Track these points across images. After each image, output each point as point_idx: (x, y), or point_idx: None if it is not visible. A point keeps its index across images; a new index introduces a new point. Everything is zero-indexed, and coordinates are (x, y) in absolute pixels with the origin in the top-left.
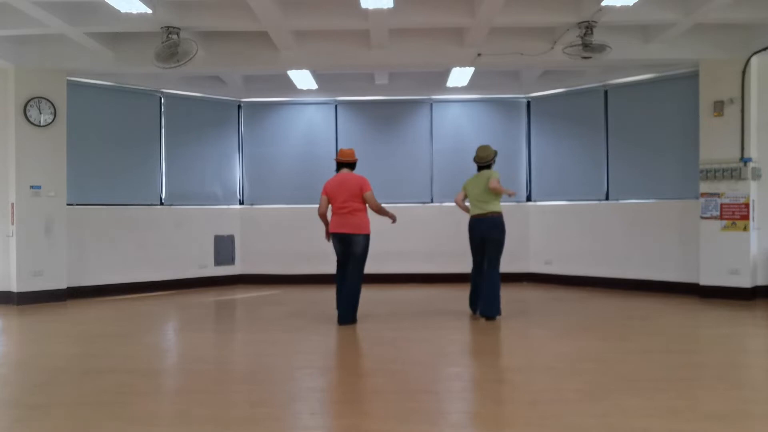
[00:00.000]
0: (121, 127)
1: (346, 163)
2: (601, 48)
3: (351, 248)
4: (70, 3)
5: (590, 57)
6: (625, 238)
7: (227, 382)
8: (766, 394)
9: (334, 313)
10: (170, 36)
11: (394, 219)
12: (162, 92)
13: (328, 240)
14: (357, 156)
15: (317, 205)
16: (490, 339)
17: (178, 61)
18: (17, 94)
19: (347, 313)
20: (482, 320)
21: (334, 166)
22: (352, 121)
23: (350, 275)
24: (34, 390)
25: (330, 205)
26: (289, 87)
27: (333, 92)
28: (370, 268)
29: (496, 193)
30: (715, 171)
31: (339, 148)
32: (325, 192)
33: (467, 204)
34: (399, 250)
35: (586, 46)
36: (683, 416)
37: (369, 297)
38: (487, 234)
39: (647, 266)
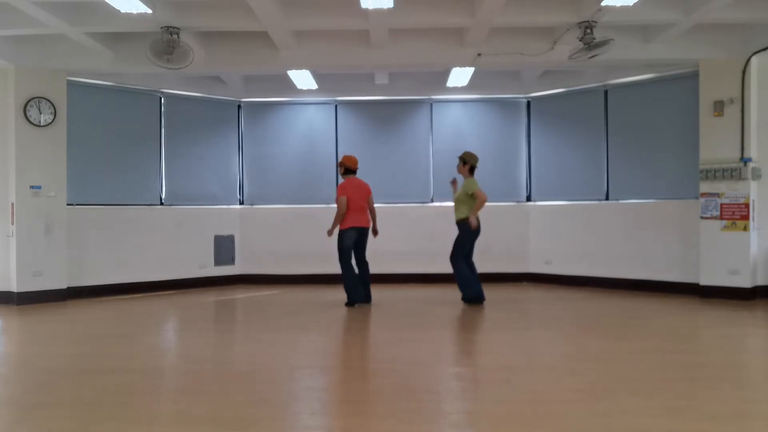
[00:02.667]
0: (121, 127)
1: (355, 170)
2: (604, 42)
3: (365, 238)
4: (70, 3)
5: (596, 55)
6: (625, 238)
7: (227, 382)
8: (766, 394)
9: (334, 312)
10: (172, 35)
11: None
12: (162, 92)
13: (330, 235)
14: (357, 157)
15: (317, 205)
16: (490, 339)
17: (168, 60)
18: (17, 94)
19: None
20: (482, 320)
21: (334, 166)
22: (352, 121)
23: (363, 259)
24: (34, 390)
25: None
26: (289, 87)
27: (333, 92)
28: (370, 267)
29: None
30: (715, 171)
31: (347, 156)
32: (347, 194)
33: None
34: (399, 250)
35: (588, 44)
36: (683, 416)
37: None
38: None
39: (647, 266)
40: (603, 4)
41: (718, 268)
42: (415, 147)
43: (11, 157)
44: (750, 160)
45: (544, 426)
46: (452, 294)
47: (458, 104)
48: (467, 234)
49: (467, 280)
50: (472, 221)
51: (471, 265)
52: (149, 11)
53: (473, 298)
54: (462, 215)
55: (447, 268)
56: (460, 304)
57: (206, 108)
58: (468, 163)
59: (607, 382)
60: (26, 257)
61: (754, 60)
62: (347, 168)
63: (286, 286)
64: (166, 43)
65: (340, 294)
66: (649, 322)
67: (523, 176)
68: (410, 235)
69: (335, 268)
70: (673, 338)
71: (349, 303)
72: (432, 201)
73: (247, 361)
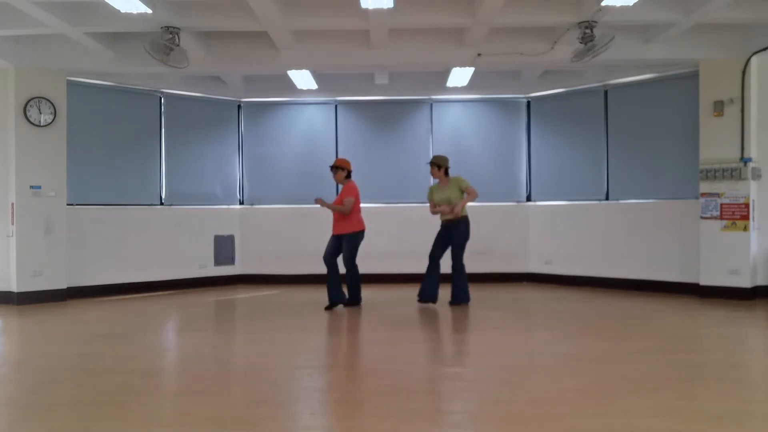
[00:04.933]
0: (121, 127)
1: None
2: (604, 39)
3: None
4: (70, 3)
5: (597, 54)
6: (625, 238)
7: (227, 382)
8: (766, 394)
9: (334, 312)
10: (173, 36)
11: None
12: (162, 92)
13: (320, 204)
14: (357, 157)
15: (317, 205)
16: (490, 339)
17: (162, 61)
18: (17, 94)
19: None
20: (482, 320)
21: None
22: (352, 121)
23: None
24: (34, 390)
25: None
26: (289, 87)
27: (333, 92)
28: (370, 267)
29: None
30: (715, 171)
31: (345, 159)
32: (357, 196)
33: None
34: (399, 250)
35: (588, 43)
36: (683, 416)
37: (369, 297)
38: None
39: (647, 266)
40: (603, 4)
41: (718, 268)
42: (415, 147)
43: (11, 157)
44: (750, 160)
45: (544, 426)
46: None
47: (458, 104)
48: (464, 233)
49: (465, 284)
50: (444, 209)
51: (438, 267)
52: (149, 11)
53: (464, 300)
54: (450, 216)
55: (446, 268)
56: (460, 305)
57: (206, 108)
58: (443, 166)
59: (607, 382)
60: (26, 257)
61: (754, 60)
62: (349, 171)
63: (286, 286)
64: (165, 44)
65: None
66: (649, 322)
67: (523, 176)
68: (410, 235)
69: None
70: (673, 338)
71: (356, 302)
72: None
73: (247, 361)
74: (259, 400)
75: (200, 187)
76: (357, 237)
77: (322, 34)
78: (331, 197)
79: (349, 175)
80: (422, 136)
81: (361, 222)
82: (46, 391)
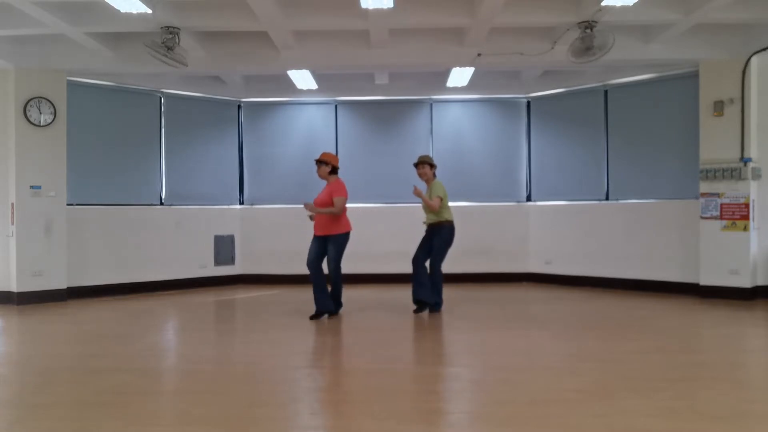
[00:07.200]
0: (121, 127)
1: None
2: (604, 41)
3: None
4: (70, 3)
5: (599, 55)
6: (625, 238)
7: (227, 382)
8: (766, 394)
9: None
10: (173, 36)
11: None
12: (162, 92)
13: (310, 211)
14: (357, 157)
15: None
16: (490, 339)
17: (162, 61)
18: (17, 94)
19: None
20: (482, 320)
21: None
22: (352, 121)
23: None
24: (34, 390)
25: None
26: (289, 87)
27: (333, 92)
28: (370, 268)
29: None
30: (715, 171)
31: (332, 154)
32: (346, 194)
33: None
34: (400, 250)
35: (588, 46)
36: (683, 416)
37: (369, 297)
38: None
39: (647, 266)
40: (603, 4)
41: (718, 268)
42: (416, 147)
43: (11, 157)
44: (750, 160)
45: (544, 426)
46: (452, 294)
47: (458, 104)
48: (446, 239)
49: (440, 289)
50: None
51: (424, 270)
52: (149, 11)
53: (436, 304)
54: (434, 219)
55: (446, 268)
56: (460, 304)
57: (206, 108)
58: (434, 166)
59: (607, 382)
60: (26, 257)
61: (754, 60)
62: (335, 167)
63: (286, 286)
64: (165, 43)
65: None
66: (649, 322)
67: (523, 176)
68: (410, 235)
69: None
70: (673, 338)
71: (338, 309)
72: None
73: (247, 361)
74: (259, 400)
75: (200, 187)
76: (345, 238)
77: (322, 34)
78: None
79: (334, 171)
80: (422, 136)
81: (348, 223)
82: (46, 391)
